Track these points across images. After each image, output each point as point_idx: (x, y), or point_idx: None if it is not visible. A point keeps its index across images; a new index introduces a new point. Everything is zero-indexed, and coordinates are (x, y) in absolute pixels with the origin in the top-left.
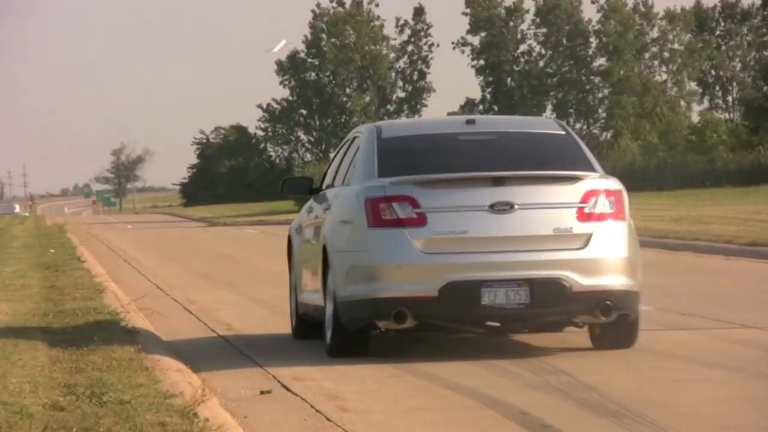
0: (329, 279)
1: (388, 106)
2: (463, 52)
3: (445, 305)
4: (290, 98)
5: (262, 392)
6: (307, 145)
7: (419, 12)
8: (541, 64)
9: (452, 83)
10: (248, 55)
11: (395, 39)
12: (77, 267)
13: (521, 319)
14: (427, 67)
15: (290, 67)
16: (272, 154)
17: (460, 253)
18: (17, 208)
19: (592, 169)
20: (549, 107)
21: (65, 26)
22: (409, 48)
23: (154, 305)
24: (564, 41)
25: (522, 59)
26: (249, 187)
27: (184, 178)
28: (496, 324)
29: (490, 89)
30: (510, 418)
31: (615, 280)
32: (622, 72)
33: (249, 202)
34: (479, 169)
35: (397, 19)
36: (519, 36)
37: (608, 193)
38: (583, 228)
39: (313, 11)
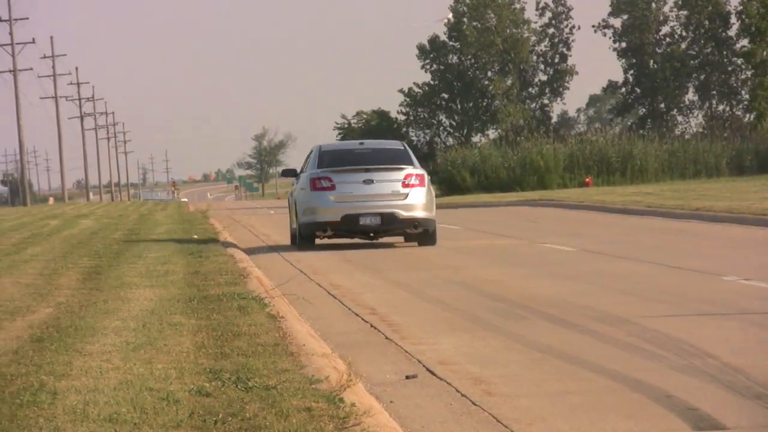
0: (296, 215)
1: (530, 89)
2: (604, 34)
3: (344, 225)
4: (432, 82)
5: (407, 377)
6: (448, 129)
7: None
8: (683, 46)
9: (594, 66)
10: (398, 32)
11: (536, 22)
12: (221, 252)
13: (378, 231)
14: (569, 49)
15: (432, 51)
16: (414, 138)
17: (350, 202)
18: (175, 195)
19: (411, 164)
20: (691, 89)
21: (207, 11)
22: (550, 31)
23: (298, 290)
24: (706, 23)
25: (664, 41)
26: None
27: None
28: (371, 234)
29: (632, 72)
30: (655, 401)
31: (418, 213)
32: (765, 53)
33: None
34: (359, 164)
35: (537, 2)
36: (661, 18)
37: (416, 175)
38: (404, 191)
39: None
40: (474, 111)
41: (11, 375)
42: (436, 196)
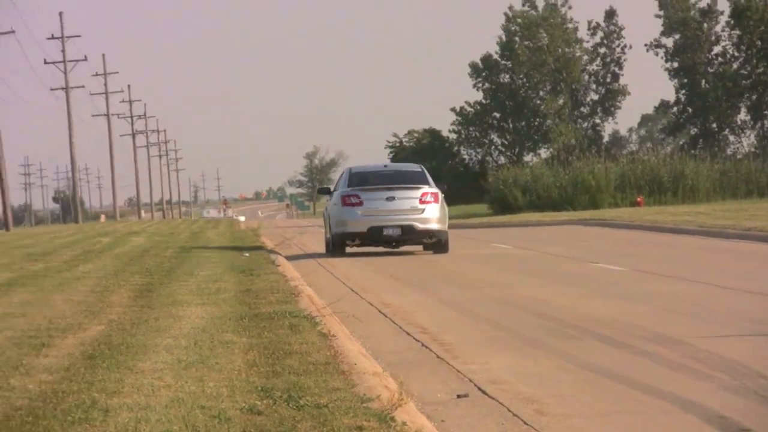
0: (330, 227)
1: (582, 109)
2: (656, 54)
3: (370, 235)
4: (483, 101)
5: (458, 396)
6: (500, 147)
7: (611, 14)
8: (735, 65)
9: (646, 85)
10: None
11: (588, 41)
12: (272, 271)
13: (399, 241)
14: (620, 69)
15: (484, 70)
16: (465, 157)
17: (375, 216)
18: (226, 213)
19: (427, 184)
20: (743, 109)
21: (260, 30)
22: (602, 50)
23: (349, 308)
24: (758, 42)
25: (716, 61)
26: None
27: None
28: (393, 243)
29: (684, 91)
30: (708, 421)
31: (433, 225)
32: None
33: None
34: (383, 184)
35: (589, 22)
36: (713, 38)
37: (431, 193)
38: (421, 206)
39: (505, 14)
40: (526, 130)
41: (63, 392)
42: (487, 215)
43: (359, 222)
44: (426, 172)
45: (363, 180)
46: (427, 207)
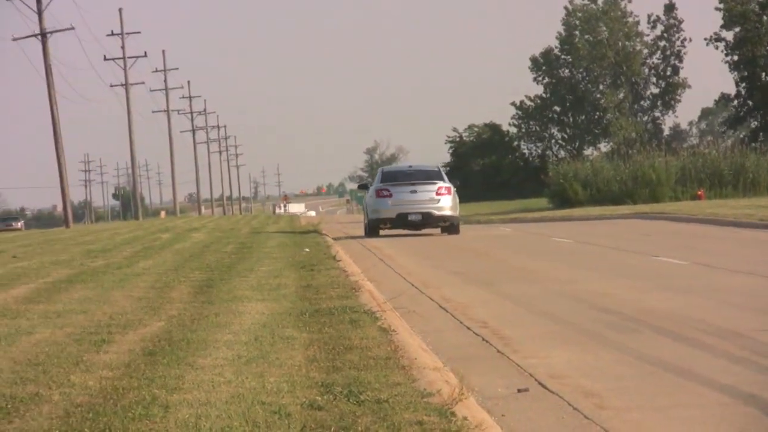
0: (367, 214)
1: (642, 102)
2: (716, 47)
3: (398, 220)
4: (544, 95)
5: (519, 390)
6: (560, 142)
7: (670, 8)
8: None
9: (706, 78)
10: (511, 45)
11: (648, 35)
12: (332, 266)
13: (420, 225)
14: (680, 62)
15: (544, 64)
16: (526, 151)
17: (401, 205)
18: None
19: (442, 180)
20: None
21: (319, 25)
22: (662, 43)
23: (410, 304)
24: None
25: None
26: (503, 185)
27: None
28: (415, 227)
29: (744, 84)
30: None
31: (447, 212)
32: None
33: (503, 200)
34: (408, 180)
35: (649, 15)
36: None
37: (445, 187)
38: (437, 197)
39: (566, 8)
40: (586, 124)
41: (123, 388)
42: (547, 210)
43: (389, 210)
44: (442, 171)
45: (392, 177)
46: (442, 198)
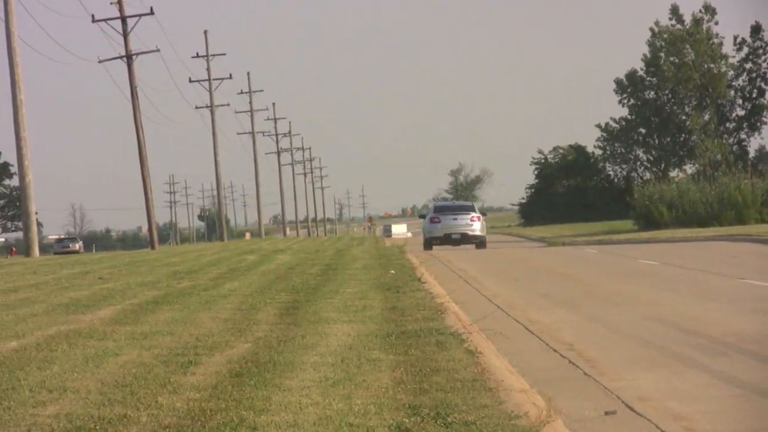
0: (424, 234)
1: (728, 124)
2: None
3: (444, 239)
4: (629, 117)
5: (606, 413)
6: (645, 163)
7: (757, 29)
8: None
9: None
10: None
11: (733, 56)
12: (418, 288)
13: (459, 242)
14: (766, 84)
15: (629, 86)
16: (611, 173)
17: (447, 228)
18: (371, 230)
19: (475, 211)
20: None
21: (402, 46)
22: (748, 65)
23: (496, 325)
24: None
25: None
26: (588, 207)
27: (522, 198)
28: (456, 243)
29: None
30: None
31: (477, 233)
32: None
33: (588, 221)
34: (451, 211)
35: (735, 37)
36: None
37: (477, 216)
38: (471, 223)
39: (651, 29)
40: (671, 146)
41: (211, 410)
42: (632, 232)
43: (439, 231)
44: (474, 205)
45: (441, 209)
46: (474, 223)
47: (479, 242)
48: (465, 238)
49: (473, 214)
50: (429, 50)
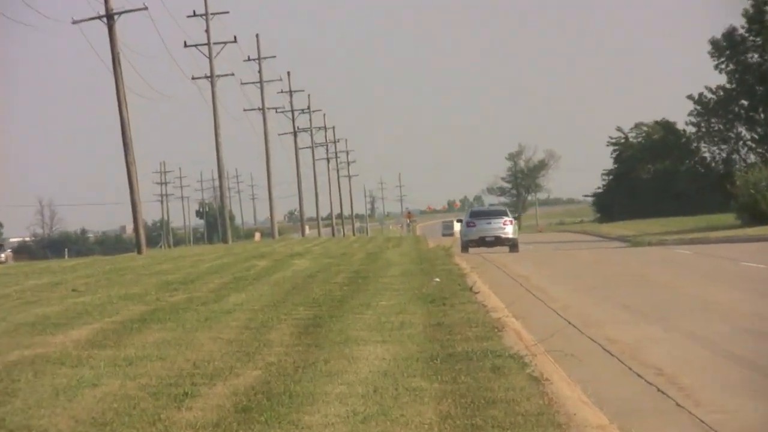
0: (461, 237)
1: None
2: None
3: (479, 241)
4: (728, 86)
5: None
6: (749, 143)
7: None
8: None
9: None
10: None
11: None
12: (469, 299)
13: (494, 245)
14: None
15: (727, 48)
16: (707, 155)
17: (482, 232)
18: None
19: (507, 216)
20: None
21: (448, 22)
22: None
23: (566, 346)
24: None
25: None
26: (679, 197)
27: (598, 188)
28: (491, 245)
29: None
30: None
31: (510, 236)
32: None
33: (679, 215)
34: (486, 216)
35: None
36: None
37: (509, 220)
38: (504, 227)
39: None
40: None
41: None
42: (734, 228)
43: (474, 234)
44: (507, 210)
45: (476, 215)
46: (506, 227)
47: (512, 245)
48: (498, 241)
49: (506, 218)
50: (488, 11)
